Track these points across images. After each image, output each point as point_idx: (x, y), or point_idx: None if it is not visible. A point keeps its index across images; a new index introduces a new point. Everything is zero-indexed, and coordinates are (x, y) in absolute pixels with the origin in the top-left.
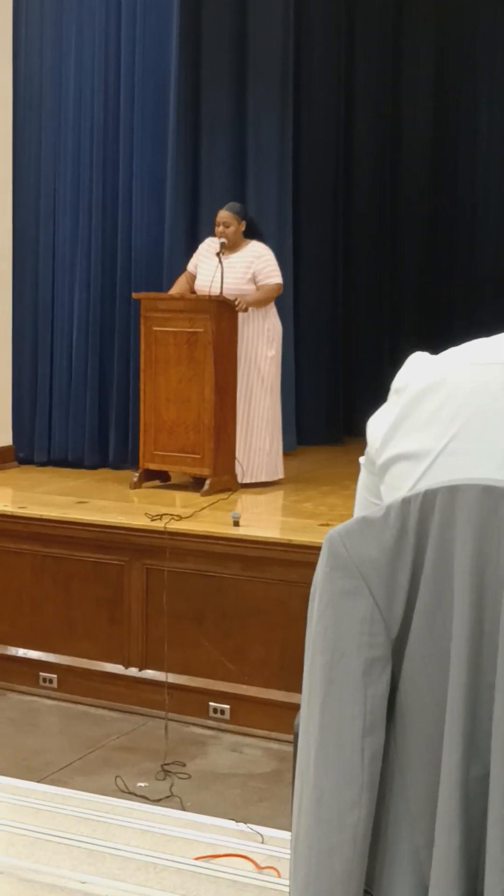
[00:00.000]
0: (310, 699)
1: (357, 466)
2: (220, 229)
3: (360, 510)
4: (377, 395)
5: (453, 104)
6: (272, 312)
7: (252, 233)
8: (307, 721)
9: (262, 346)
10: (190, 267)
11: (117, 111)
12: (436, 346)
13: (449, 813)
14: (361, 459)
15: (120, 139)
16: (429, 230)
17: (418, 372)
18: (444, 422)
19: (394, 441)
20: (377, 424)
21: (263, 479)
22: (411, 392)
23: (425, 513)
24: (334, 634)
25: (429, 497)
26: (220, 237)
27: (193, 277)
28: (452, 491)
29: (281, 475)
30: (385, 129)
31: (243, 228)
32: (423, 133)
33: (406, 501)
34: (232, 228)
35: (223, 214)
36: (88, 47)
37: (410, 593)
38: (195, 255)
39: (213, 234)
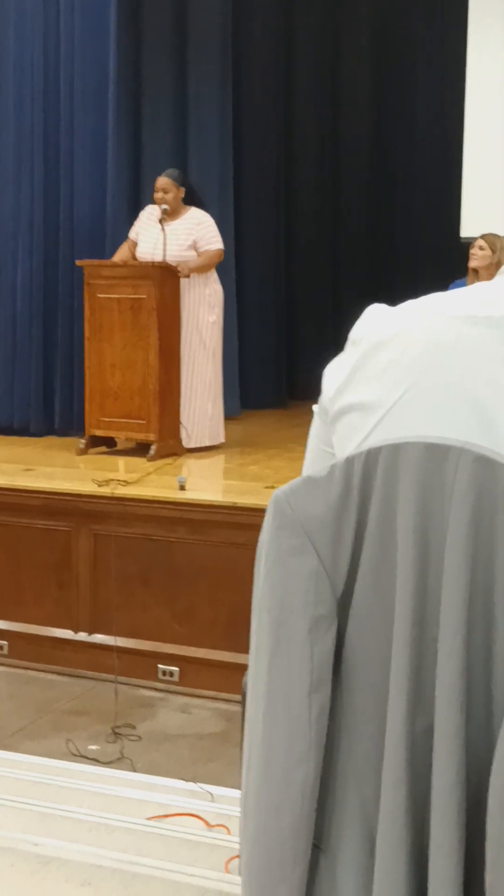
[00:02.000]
0: (257, 657)
1: (303, 428)
2: (158, 195)
3: (311, 458)
4: (321, 358)
5: (392, 67)
6: (213, 278)
7: (192, 199)
8: (254, 679)
9: (203, 311)
10: (131, 234)
11: (57, 80)
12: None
13: (395, 766)
14: (315, 407)
15: (60, 108)
16: (370, 192)
17: (375, 323)
18: (398, 374)
19: (347, 391)
20: (332, 373)
21: (206, 443)
22: (368, 343)
23: (369, 471)
24: (281, 593)
25: (372, 455)
26: (159, 203)
27: (135, 245)
28: (395, 449)
29: (222, 440)
30: (325, 93)
31: (182, 195)
32: (362, 95)
33: (350, 460)
34: (171, 195)
35: (161, 181)
36: (29, 17)
37: (355, 551)
38: (136, 223)
39: (153, 201)
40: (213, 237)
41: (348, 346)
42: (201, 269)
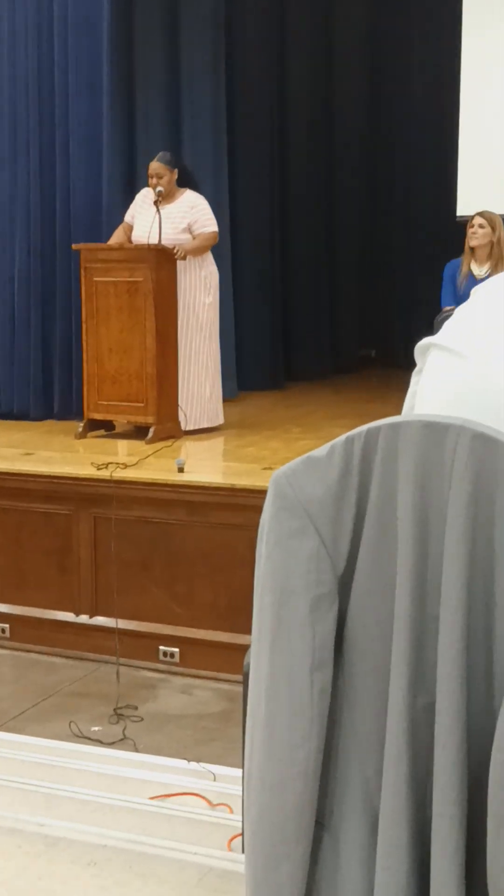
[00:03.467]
0: (259, 637)
1: (299, 409)
2: (153, 181)
3: (409, 396)
4: (317, 339)
5: (387, 46)
6: (209, 260)
7: (185, 181)
8: (257, 659)
9: (199, 293)
10: (127, 218)
11: (51, 65)
12: (375, 289)
13: (397, 743)
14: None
15: (55, 93)
16: (365, 173)
17: (497, 279)
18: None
19: (447, 330)
20: None
21: (205, 425)
22: (478, 294)
23: (368, 450)
24: (282, 573)
25: (372, 434)
26: (154, 188)
27: (131, 228)
28: (394, 428)
29: (221, 421)
30: (319, 74)
31: (176, 177)
32: (357, 75)
33: (349, 440)
34: (165, 179)
35: (154, 166)
36: (21, 4)
37: (355, 531)
38: (132, 206)
39: (148, 184)
40: (207, 220)
41: None
42: (196, 251)
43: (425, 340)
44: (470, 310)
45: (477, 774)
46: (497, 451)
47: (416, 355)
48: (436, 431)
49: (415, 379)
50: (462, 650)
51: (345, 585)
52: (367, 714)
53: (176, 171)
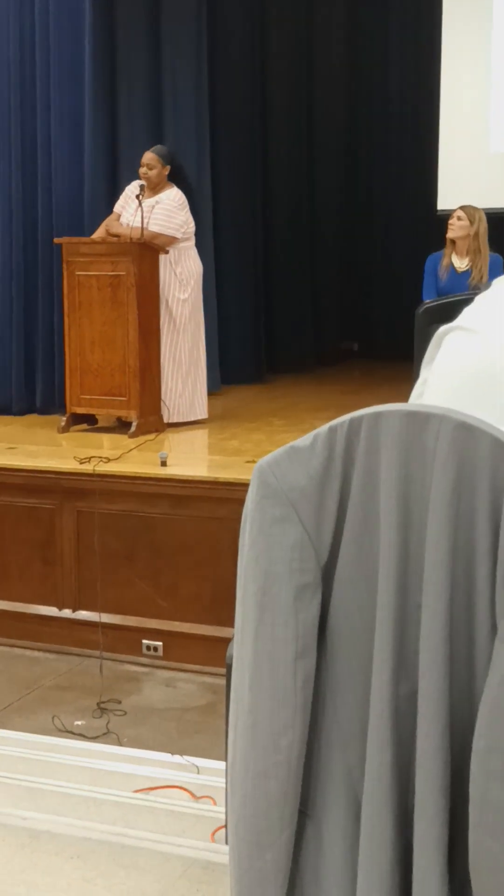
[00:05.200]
0: (243, 626)
1: (281, 401)
2: (143, 170)
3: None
4: (298, 332)
5: (367, 39)
6: (185, 255)
7: (176, 179)
8: (241, 648)
9: (174, 288)
10: (117, 209)
11: (33, 58)
12: (357, 283)
13: (380, 730)
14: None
15: (37, 84)
16: (347, 167)
17: None
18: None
19: (468, 314)
20: None
21: (175, 419)
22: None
23: (351, 439)
24: (266, 562)
25: (354, 424)
26: (143, 178)
27: (119, 219)
28: (377, 417)
29: (198, 416)
30: (301, 68)
31: (167, 172)
32: (338, 70)
33: (332, 429)
34: (155, 171)
35: (147, 156)
36: None
37: (339, 519)
38: (122, 197)
39: (135, 176)
40: (161, 219)
41: None
42: (156, 237)
43: (444, 327)
44: (490, 296)
45: (459, 762)
46: (479, 439)
47: (431, 346)
48: (418, 420)
49: (425, 370)
50: (445, 638)
51: (328, 574)
52: (350, 702)
53: (168, 167)
